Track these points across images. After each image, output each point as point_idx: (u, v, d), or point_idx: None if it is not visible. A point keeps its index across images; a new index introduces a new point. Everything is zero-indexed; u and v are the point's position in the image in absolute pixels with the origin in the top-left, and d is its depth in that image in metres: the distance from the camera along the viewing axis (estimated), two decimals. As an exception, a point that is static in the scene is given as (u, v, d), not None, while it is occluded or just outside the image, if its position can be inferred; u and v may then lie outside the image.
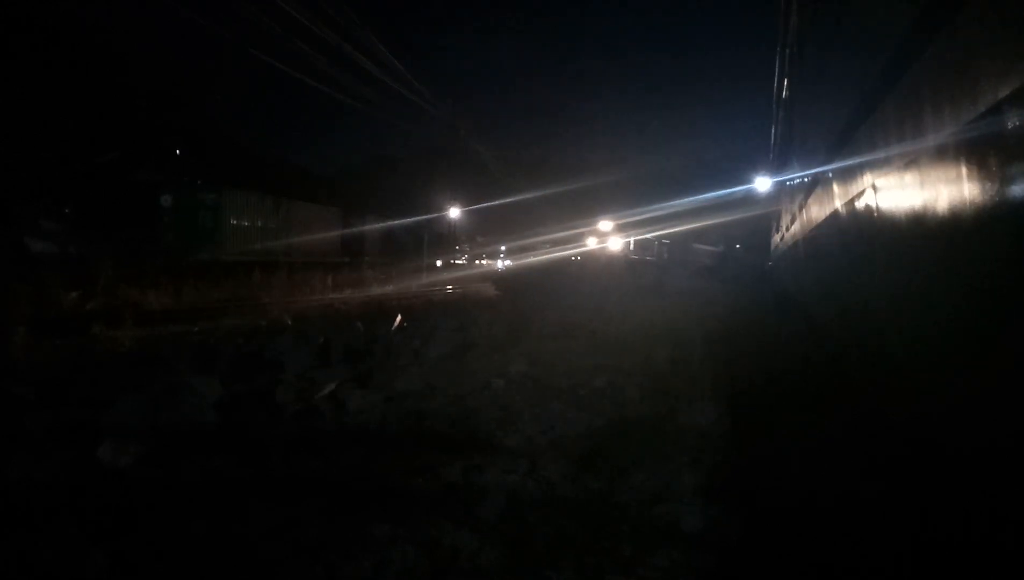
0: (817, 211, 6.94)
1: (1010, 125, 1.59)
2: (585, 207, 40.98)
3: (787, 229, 13.89)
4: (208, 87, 22.36)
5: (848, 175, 4.38)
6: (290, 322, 9.25)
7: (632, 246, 38.07)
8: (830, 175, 5.59)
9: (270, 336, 7.31)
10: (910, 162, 2.62)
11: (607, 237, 38.20)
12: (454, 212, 32.55)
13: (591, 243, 36.51)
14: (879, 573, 2.35)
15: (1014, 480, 1.70)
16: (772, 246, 22.57)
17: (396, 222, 32.17)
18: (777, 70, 15.69)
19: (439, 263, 34.50)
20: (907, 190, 2.71)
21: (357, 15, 13.79)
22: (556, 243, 37.65)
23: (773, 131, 18.75)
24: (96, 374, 5.20)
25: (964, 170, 1.97)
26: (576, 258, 36.87)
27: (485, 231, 43.52)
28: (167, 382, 4.39)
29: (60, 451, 3.38)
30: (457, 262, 35.52)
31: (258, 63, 17.97)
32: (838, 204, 5.01)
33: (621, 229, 39.27)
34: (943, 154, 2.17)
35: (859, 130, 3.87)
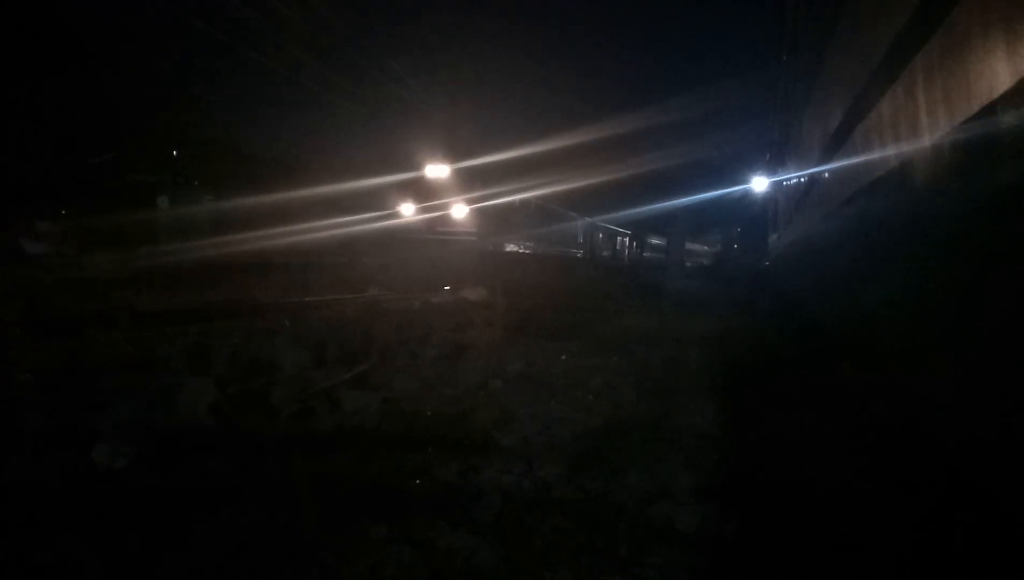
0: (815, 211, 6.95)
1: (1003, 125, 1.60)
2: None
3: (784, 229, 13.92)
4: (205, 87, 22.34)
5: (844, 175, 4.39)
6: (286, 322, 9.22)
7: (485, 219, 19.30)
8: (826, 176, 5.61)
9: (266, 337, 7.29)
10: (904, 161, 2.63)
11: (439, 198, 18.94)
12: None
13: (406, 212, 18.66)
14: (876, 572, 2.35)
15: (1011, 477, 1.71)
16: (769, 246, 22.63)
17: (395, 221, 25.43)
18: (774, 73, 15.71)
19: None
20: (901, 189, 2.71)
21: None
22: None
23: (769, 133, 18.79)
24: (91, 376, 5.18)
25: (958, 168, 1.97)
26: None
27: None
28: (162, 383, 4.37)
29: (55, 453, 3.36)
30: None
31: (252, 61, 17.88)
32: (835, 204, 5.02)
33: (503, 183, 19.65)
34: (937, 153, 2.17)
35: (855, 130, 3.88)
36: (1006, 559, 1.87)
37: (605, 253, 34.66)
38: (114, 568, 2.34)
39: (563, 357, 6.78)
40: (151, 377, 4.92)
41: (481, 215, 19.03)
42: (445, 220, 18.96)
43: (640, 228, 40.83)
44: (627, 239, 40.11)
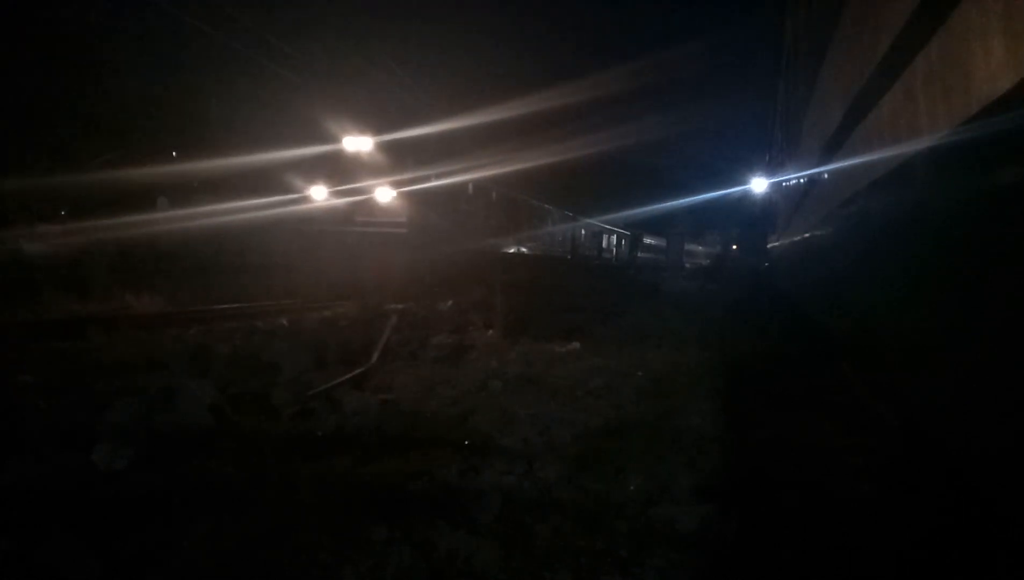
0: (814, 212, 6.96)
1: (1003, 126, 1.60)
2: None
3: (784, 231, 13.93)
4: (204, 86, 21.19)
5: (843, 176, 4.39)
6: (286, 323, 9.23)
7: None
8: (826, 176, 5.61)
9: (266, 338, 7.29)
10: (904, 162, 2.63)
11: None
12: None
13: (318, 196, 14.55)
14: (877, 572, 2.35)
15: (1011, 478, 1.71)
16: (769, 247, 22.64)
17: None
18: (774, 73, 15.73)
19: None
20: (901, 189, 2.72)
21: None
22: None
23: (770, 134, 18.81)
24: (91, 377, 5.18)
25: (958, 169, 1.97)
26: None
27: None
28: (162, 385, 4.37)
29: (55, 454, 3.36)
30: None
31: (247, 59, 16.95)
32: (834, 205, 5.02)
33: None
34: (937, 154, 2.17)
35: (855, 132, 3.88)
36: (1006, 559, 1.87)
37: (591, 254, 31.09)
38: (114, 568, 2.34)
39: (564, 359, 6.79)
40: (148, 378, 4.92)
41: (418, 203, 14.59)
42: (368, 208, 14.49)
43: (635, 228, 39.45)
44: (617, 238, 36.80)
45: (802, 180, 8.47)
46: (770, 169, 19.51)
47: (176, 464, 3.34)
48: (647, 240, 43.25)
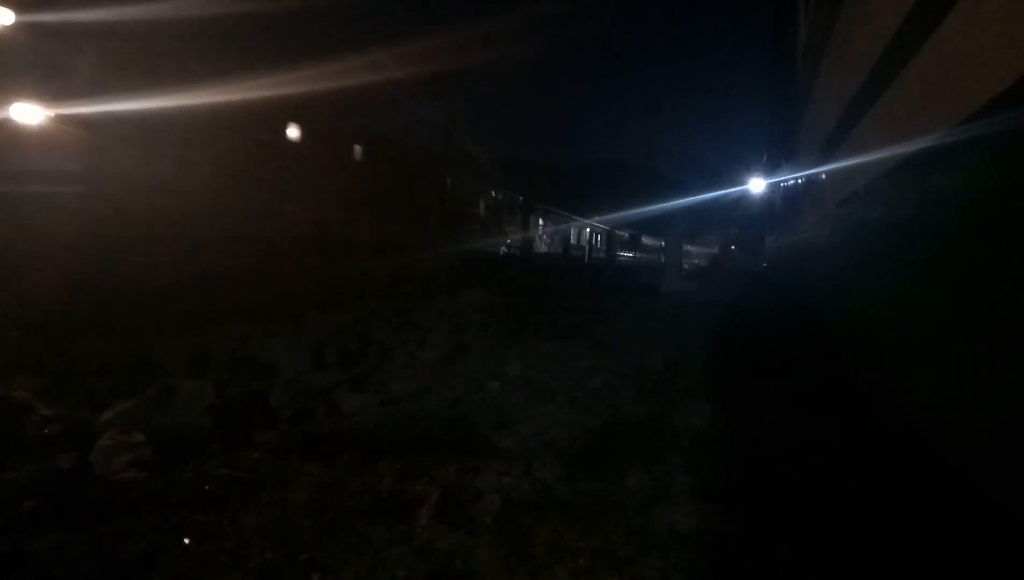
0: (812, 213, 6.97)
1: (1000, 126, 1.61)
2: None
3: (782, 231, 13.96)
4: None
5: (841, 176, 4.40)
6: (284, 323, 9.21)
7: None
8: (823, 177, 5.62)
9: (264, 338, 7.28)
10: (902, 162, 2.63)
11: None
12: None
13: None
14: (876, 572, 2.36)
15: (1011, 477, 1.71)
16: (767, 248, 22.68)
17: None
18: (771, 74, 15.76)
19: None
20: (898, 190, 2.72)
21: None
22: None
23: (769, 134, 18.84)
24: (90, 378, 5.17)
25: (955, 169, 1.98)
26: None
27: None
28: (160, 386, 4.37)
29: (54, 455, 3.36)
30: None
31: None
32: (832, 205, 5.03)
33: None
34: (935, 154, 2.18)
35: (852, 132, 3.89)
36: (1006, 559, 1.88)
37: (556, 252, 24.99)
38: (114, 568, 2.34)
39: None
40: (150, 378, 4.92)
41: (125, 140, 8.10)
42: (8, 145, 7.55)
43: (628, 228, 38.35)
44: (591, 233, 32.59)
45: (800, 180, 8.48)
46: (768, 169, 19.55)
47: (174, 465, 3.34)
48: (644, 240, 42.62)
